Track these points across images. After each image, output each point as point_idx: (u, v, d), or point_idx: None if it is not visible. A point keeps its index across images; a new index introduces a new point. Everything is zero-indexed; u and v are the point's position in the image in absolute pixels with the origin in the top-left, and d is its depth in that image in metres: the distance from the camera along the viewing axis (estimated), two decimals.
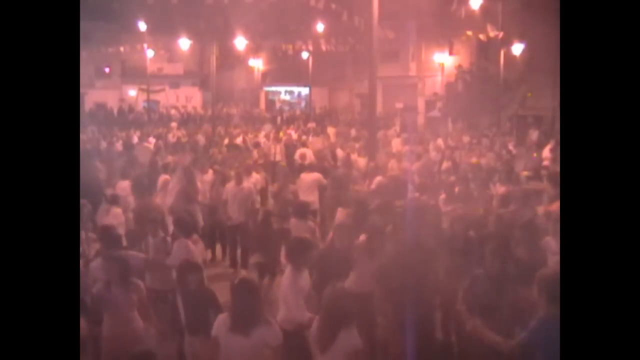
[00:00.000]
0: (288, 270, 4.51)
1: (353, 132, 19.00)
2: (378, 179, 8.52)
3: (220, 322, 3.50)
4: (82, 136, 17.44)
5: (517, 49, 22.60)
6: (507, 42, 21.67)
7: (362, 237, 5.13)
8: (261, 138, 17.75)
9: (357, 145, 13.79)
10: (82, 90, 32.96)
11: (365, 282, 4.84)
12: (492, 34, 21.08)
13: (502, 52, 21.52)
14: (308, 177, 9.26)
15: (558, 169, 8.97)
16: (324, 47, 23.32)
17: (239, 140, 17.28)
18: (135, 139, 18.26)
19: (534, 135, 18.13)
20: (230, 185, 8.45)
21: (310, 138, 17.10)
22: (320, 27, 25.71)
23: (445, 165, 11.37)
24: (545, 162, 12.14)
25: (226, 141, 17.45)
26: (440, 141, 15.78)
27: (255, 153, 14.06)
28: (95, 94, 33.70)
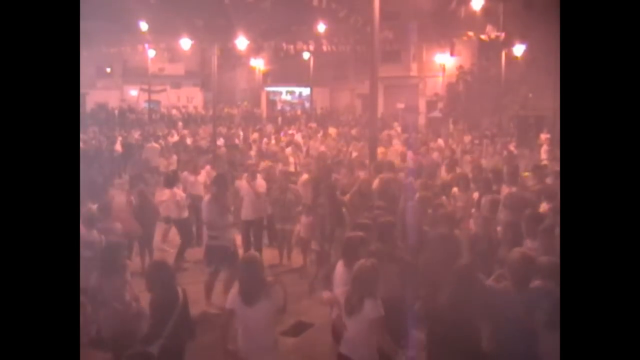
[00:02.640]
0: (339, 264, 4.54)
1: (354, 132, 18.99)
2: (378, 178, 8.49)
3: (234, 295, 3.94)
4: (83, 136, 17.54)
5: (519, 49, 22.58)
6: (508, 43, 21.66)
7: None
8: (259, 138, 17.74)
9: (358, 145, 13.80)
10: (83, 90, 33.00)
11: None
12: (493, 34, 21.07)
13: (503, 53, 21.52)
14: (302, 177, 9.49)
15: (557, 168, 8.97)
16: (325, 48, 23.30)
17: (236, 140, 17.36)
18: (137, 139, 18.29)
19: (544, 138, 17.89)
20: (242, 183, 8.54)
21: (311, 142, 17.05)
22: (321, 27, 25.69)
23: (446, 165, 11.34)
24: (544, 162, 12.16)
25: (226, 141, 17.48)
26: (441, 142, 15.76)
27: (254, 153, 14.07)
28: (97, 94, 33.71)
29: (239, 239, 8.71)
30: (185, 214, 8.87)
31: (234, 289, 4.00)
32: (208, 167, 10.46)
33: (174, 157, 13.48)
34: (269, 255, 8.76)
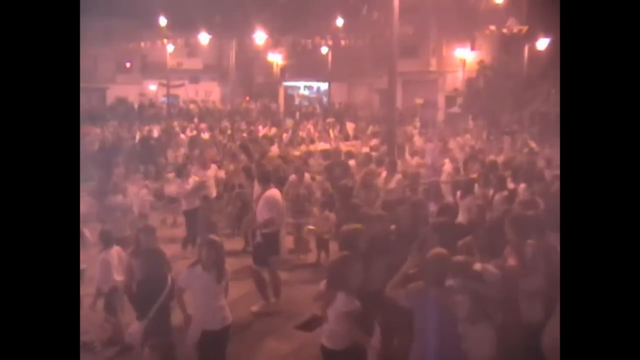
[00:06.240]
0: None
1: (370, 128, 18.87)
2: (397, 177, 8.40)
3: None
4: (104, 130, 17.84)
5: (542, 43, 22.09)
6: (531, 37, 21.22)
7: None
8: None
9: (375, 141, 13.71)
10: (103, 85, 33.66)
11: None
12: (515, 28, 20.66)
13: (525, 47, 21.10)
14: None
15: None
16: (343, 42, 23.20)
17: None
18: (156, 133, 18.48)
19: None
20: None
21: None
22: (339, 21, 25.59)
23: (465, 162, 11.18)
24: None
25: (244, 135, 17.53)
26: (460, 138, 15.57)
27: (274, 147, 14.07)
28: (117, 89, 34.26)
29: None
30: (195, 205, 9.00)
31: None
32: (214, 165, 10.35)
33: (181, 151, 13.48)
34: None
